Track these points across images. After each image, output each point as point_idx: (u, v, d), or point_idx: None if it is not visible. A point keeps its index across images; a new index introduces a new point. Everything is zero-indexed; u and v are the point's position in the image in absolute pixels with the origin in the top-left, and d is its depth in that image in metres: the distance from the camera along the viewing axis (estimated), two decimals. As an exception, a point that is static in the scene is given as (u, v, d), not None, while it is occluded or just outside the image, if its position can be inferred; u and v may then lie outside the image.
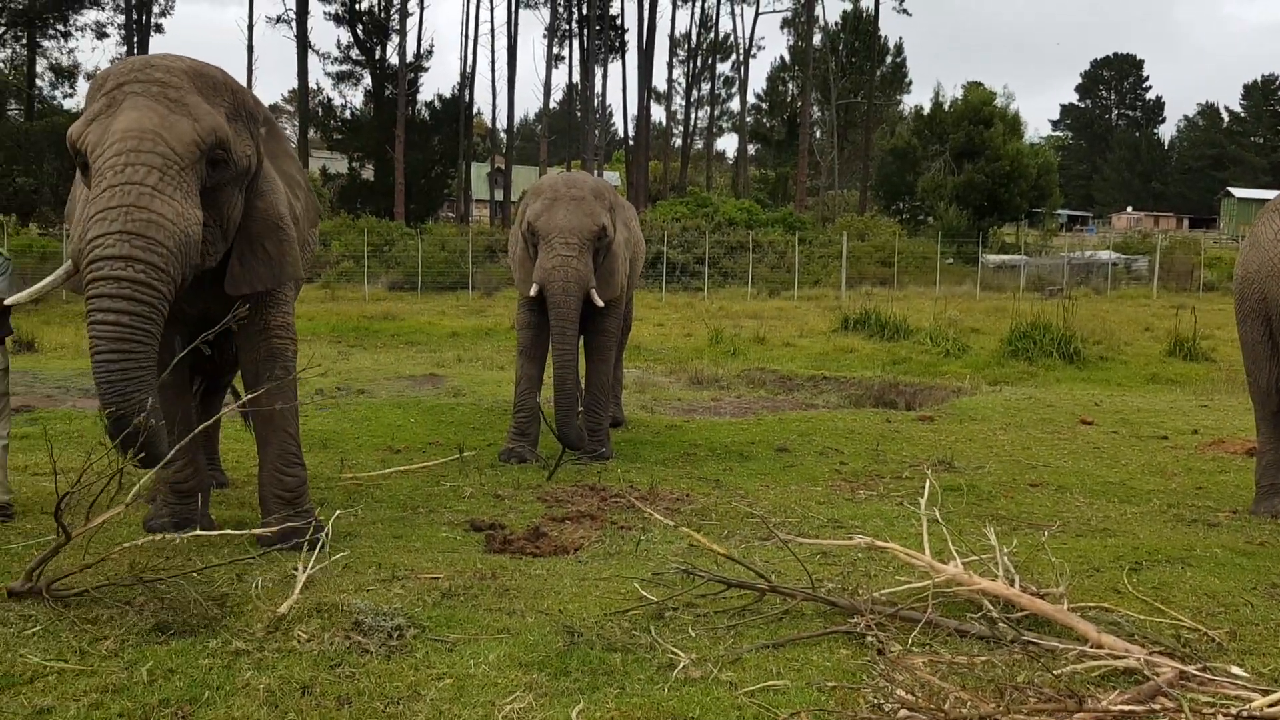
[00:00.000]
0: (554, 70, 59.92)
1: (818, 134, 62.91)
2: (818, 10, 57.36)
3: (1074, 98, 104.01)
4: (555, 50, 57.03)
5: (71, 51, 74.73)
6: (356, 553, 5.54)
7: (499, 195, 56.16)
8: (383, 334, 20.02)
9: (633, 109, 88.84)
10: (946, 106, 48.61)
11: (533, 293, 8.22)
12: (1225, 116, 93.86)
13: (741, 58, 62.78)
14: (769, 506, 6.98)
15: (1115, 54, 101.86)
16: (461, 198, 53.33)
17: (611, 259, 8.59)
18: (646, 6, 54.47)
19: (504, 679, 3.88)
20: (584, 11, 55.51)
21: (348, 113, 51.61)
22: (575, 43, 57.68)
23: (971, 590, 4.60)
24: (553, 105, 58.76)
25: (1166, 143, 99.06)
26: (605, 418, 8.93)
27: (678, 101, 66.66)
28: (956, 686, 3.74)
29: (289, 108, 64.20)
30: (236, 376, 6.78)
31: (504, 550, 5.87)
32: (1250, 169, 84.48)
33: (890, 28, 70.09)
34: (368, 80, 50.76)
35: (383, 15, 50.24)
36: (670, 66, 63.62)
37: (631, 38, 58.96)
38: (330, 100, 52.83)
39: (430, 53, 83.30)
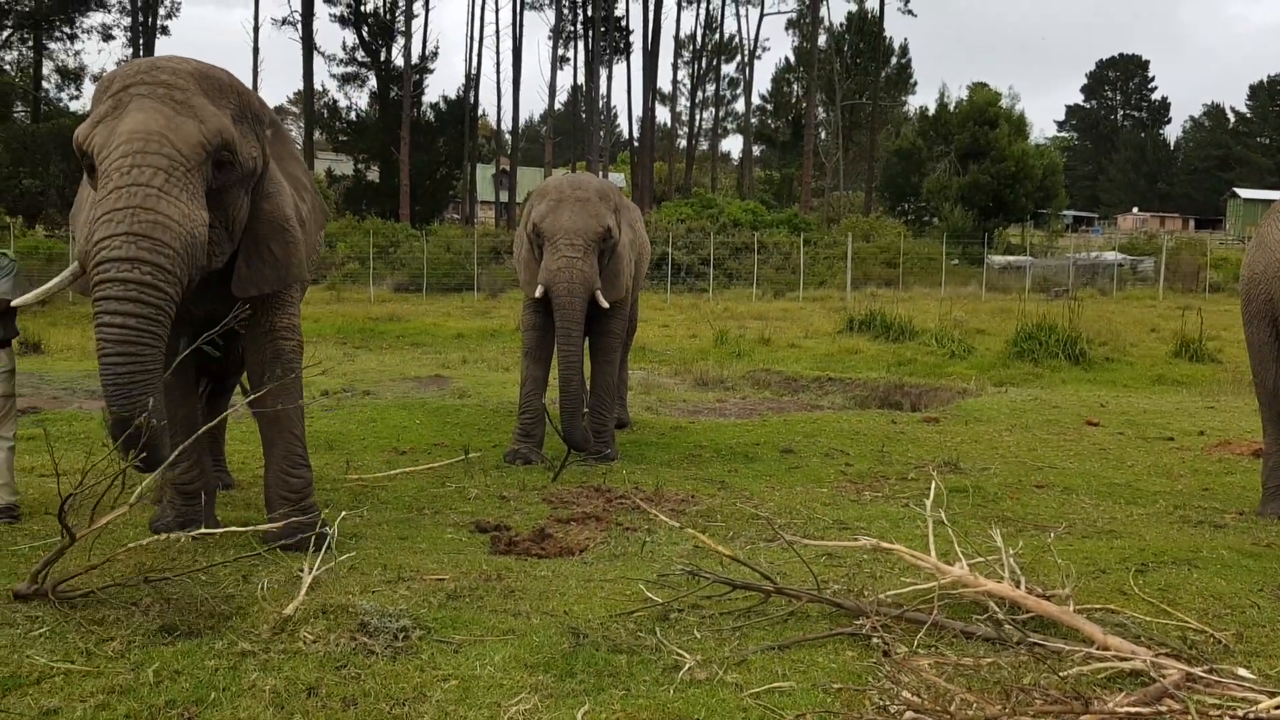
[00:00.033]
0: (559, 72, 60.10)
1: (823, 135, 62.92)
2: (822, 11, 57.45)
3: (1079, 98, 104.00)
4: (560, 52, 57.11)
5: (78, 54, 75.15)
6: (362, 554, 5.55)
7: (504, 197, 56.18)
8: (388, 335, 20.03)
9: (638, 110, 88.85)
10: (952, 107, 48.54)
11: (538, 294, 8.23)
12: (1231, 117, 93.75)
13: (746, 59, 62.87)
14: (774, 508, 6.97)
15: (1120, 54, 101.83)
16: (467, 199, 53.39)
17: (616, 260, 8.59)
18: (651, 8, 54.55)
19: (509, 680, 3.88)
20: (589, 13, 55.53)
21: (353, 114, 51.66)
22: (580, 44, 57.78)
23: (977, 592, 4.60)
24: (558, 107, 58.89)
25: (1172, 143, 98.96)
26: (610, 419, 8.93)
27: (683, 103, 66.72)
28: (962, 688, 3.73)
29: (294, 109, 64.28)
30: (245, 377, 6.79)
31: (509, 551, 5.87)
32: (1256, 169, 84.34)
33: (895, 28, 70.17)
34: (373, 82, 50.82)
35: (388, 17, 50.30)
36: (675, 68, 63.65)
37: (636, 39, 59.03)
38: (335, 102, 52.85)
39: (435, 54, 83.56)
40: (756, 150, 68.37)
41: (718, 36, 64.89)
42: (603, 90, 58.22)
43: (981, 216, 43.86)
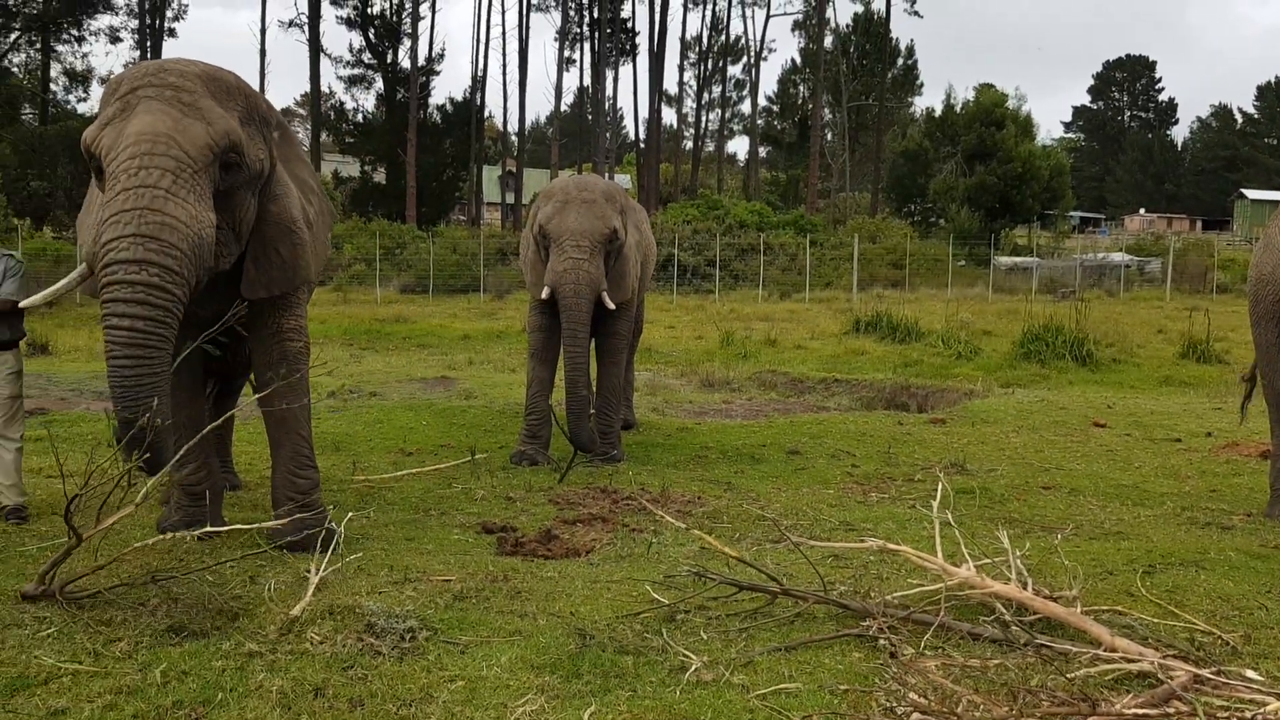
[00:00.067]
0: (565, 73, 60.13)
1: (829, 136, 62.87)
2: (829, 13, 57.32)
3: (1086, 99, 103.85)
4: (566, 53, 57.10)
5: (85, 56, 75.25)
6: (369, 555, 5.55)
7: (510, 198, 56.23)
8: (394, 337, 20.06)
9: (644, 112, 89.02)
10: (958, 108, 48.52)
11: (544, 295, 8.23)
12: (1238, 118, 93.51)
13: (752, 60, 62.79)
14: (780, 509, 6.97)
15: (1127, 55, 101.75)
16: (473, 201, 53.41)
17: (623, 262, 8.60)
18: (657, 9, 54.52)
19: (516, 681, 3.89)
20: (595, 15, 55.57)
21: (360, 116, 51.75)
22: (586, 46, 57.79)
23: (984, 593, 4.59)
24: (564, 108, 58.95)
25: (1179, 144, 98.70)
26: (616, 420, 8.94)
27: (689, 104, 66.73)
28: (969, 690, 3.73)
29: (301, 111, 64.40)
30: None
31: (516, 553, 5.88)
32: (1264, 170, 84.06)
33: (901, 30, 70.04)
34: (380, 84, 50.89)
35: (394, 19, 50.37)
36: (681, 69, 63.59)
37: (643, 41, 59.18)
38: (342, 104, 52.92)
39: (442, 56, 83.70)
40: (762, 152, 68.34)
41: (724, 38, 64.99)
42: (609, 92, 58.31)
43: (988, 218, 43.80)
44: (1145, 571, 5.42)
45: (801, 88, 64.97)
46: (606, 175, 46.57)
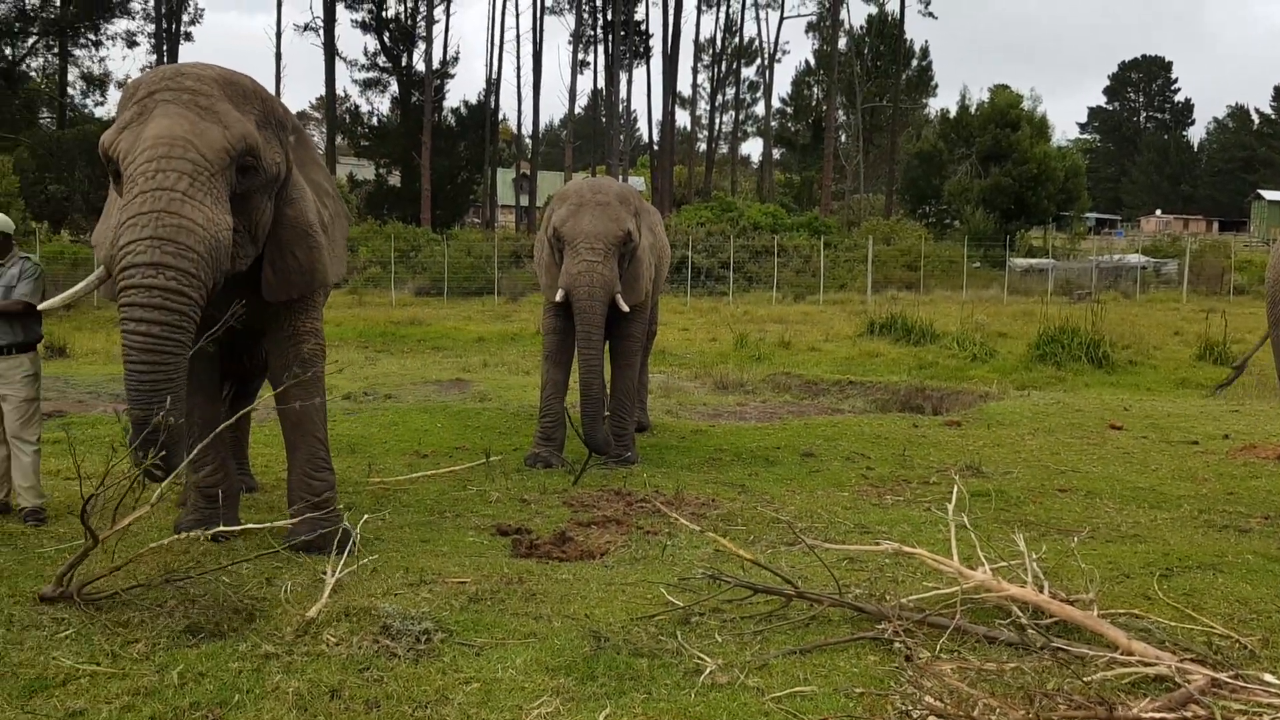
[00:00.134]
0: (579, 76, 60.17)
1: (843, 138, 62.77)
2: (842, 14, 57.31)
3: (1101, 100, 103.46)
4: (580, 56, 57.23)
5: (103, 60, 75.52)
6: (384, 557, 5.57)
7: (524, 201, 56.32)
8: (409, 339, 20.11)
9: (657, 114, 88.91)
10: (973, 109, 48.38)
11: (559, 298, 8.24)
12: (1255, 118, 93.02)
13: (766, 62, 62.74)
14: (795, 512, 6.96)
15: (1143, 56, 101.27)
16: (487, 203, 53.53)
17: (636, 264, 8.60)
18: (671, 12, 54.55)
19: (531, 683, 3.89)
20: (609, 17, 55.63)
21: (375, 119, 51.96)
22: (600, 48, 57.88)
23: (1000, 596, 4.58)
24: (578, 111, 59.02)
25: (1196, 145, 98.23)
26: (631, 422, 8.94)
27: (702, 106, 66.70)
28: (985, 693, 3.72)
29: (317, 115, 64.62)
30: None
31: (530, 555, 5.89)
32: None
33: (916, 31, 69.79)
34: (394, 87, 51.09)
35: (409, 23, 50.54)
36: (695, 71, 63.83)
37: (656, 43, 59.14)
38: (357, 107, 53.17)
39: (456, 59, 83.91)
40: (776, 153, 68.27)
41: (737, 40, 64.92)
42: (623, 94, 58.32)
43: (1003, 219, 43.67)
44: (1162, 574, 5.39)
45: (815, 89, 64.89)
46: (620, 178, 46.61)
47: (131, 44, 48.90)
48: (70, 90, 46.36)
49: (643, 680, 3.94)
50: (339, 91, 50.53)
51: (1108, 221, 79.62)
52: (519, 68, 79.49)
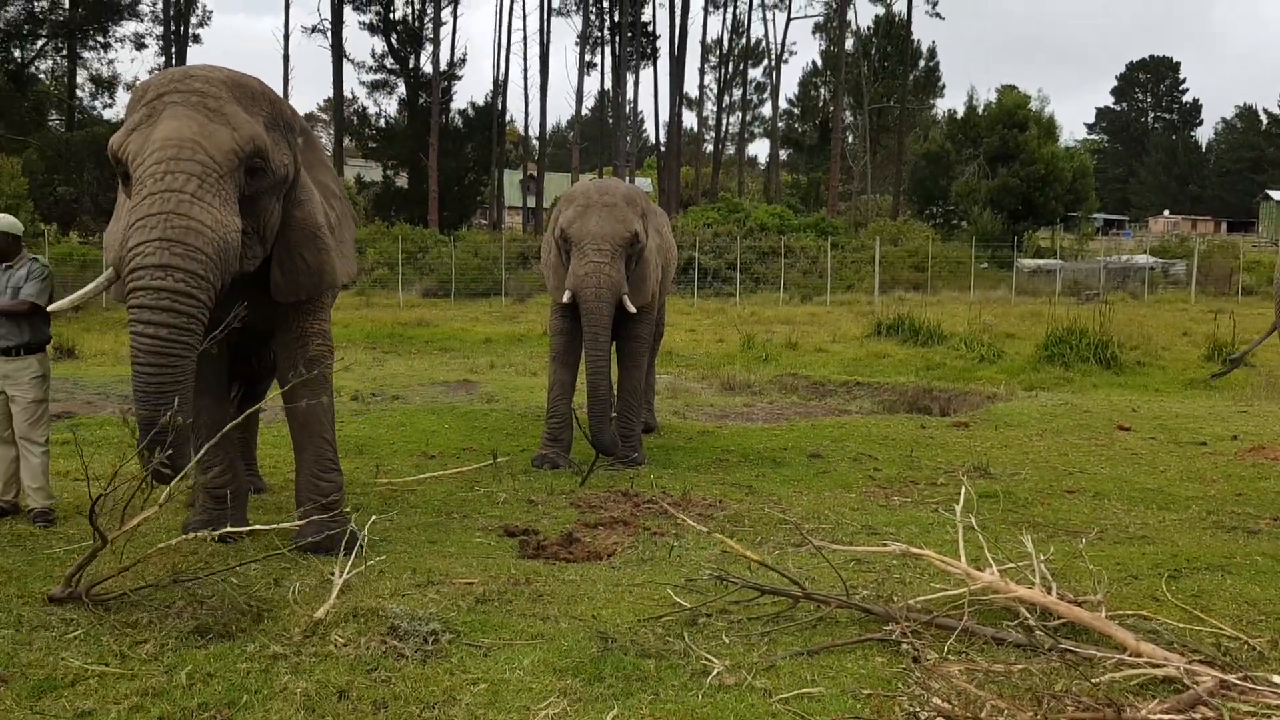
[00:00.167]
0: (586, 77, 60.18)
1: (850, 139, 62.68)
2: (850, 15, 57.21)
3: (1109, 100, 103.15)
4: (587, 57, 57.20)
5: (111, 62, 75.65)
6: (392, 558, 5.58)
7: (531, 202, 56.35)
8: (417, 340, 20.14)
9: (664, 115, 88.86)
10: (980, 110, 48.28)
11: (566, 299, 8.25)
12: (1264, 119, 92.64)
13: (773, 63, 62.72)
14: (802, 513, 6.96)
15: (1151, 56, 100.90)
16: (494, 205, 53.57)
17: (644, 265, 8.61)
18: (678, 13, 54.61)
19: (538, 684, 3.90)
20: (616, 19, 55.64)
21: (382, 121, 52.01)
22: (607, 50, 57.86)
23: (1008, 598, 4.57)
24: (585, 112, 58.96)
25: (1204, 145, 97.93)
26: (638, 423, 8.94)
27: (709, 107, 66.74)
28: (993, 694, 3.71)
29: (324, 117, 64.77)
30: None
31: (538, 556, 5.89)
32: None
33: (923, 31, 69.70)
34: (402, 89, 51.14)
35: (416, 24, 50.59)
36: (702, 72, 63.71)
37: (663, 44, 59.25)
38: (365, 109, 53.25)
39: (464, 61, 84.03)
40: (783, 154, 68.18)
41: (744, 41, 64.86)
42: (629, 95, 58.46)
43: (1011, 220, 43.58)
44: (1170, 576, 5.38)
45: (822, 90, 64.82)
46: (627, 179, 46.60)
47: (140, 46, 49.09)
48: (79, 92, 46.50)
49: (650, 681, 3.94)
50: (346, 93, 50.79)
51: (1115, 222, 79.40)
52: (526, 69, 79.60)
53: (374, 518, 6.22)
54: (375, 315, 24.73)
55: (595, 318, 8.11)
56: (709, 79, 65.82)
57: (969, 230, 42.55)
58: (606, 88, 59.40)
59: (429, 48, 49.68)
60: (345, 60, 49.08)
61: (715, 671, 4.00)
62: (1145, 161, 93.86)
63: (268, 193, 5.15)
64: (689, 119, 67.02)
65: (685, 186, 60.15)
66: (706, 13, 67.38)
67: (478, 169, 51.18)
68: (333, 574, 4.93)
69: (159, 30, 48.07)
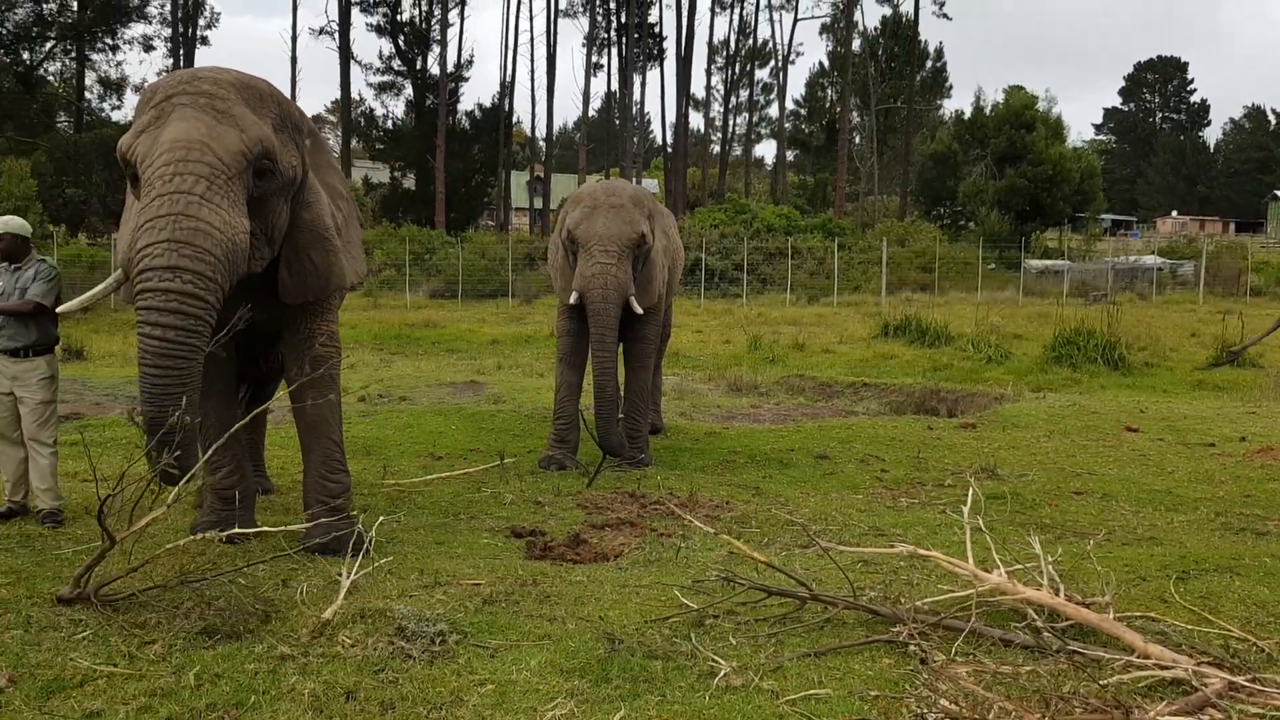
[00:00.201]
0: (593, 78, 60.21)
1: (857, 139, 62.64)
2: (857, 16, 57.19)
3: (1117, 101, 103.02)
4: (594, 59, 57.28)
5: (119, 64, 76.20)
6: (399, 558, 5.59)
7: (538, 203, 56.41)
8: (424, 341, 20.16)
9: (671, 116, 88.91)
10: (988, 111, 48.22)
11: (572, 300, 8.25)
12: (1272, 119, 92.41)
13: (780, 64, 62.73)
14: (809, 514, 6.95)
15: (1159, 56, 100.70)
16: (501, 206, 53.63)
17: (650, 266, 8.61)
18: (685, 14, 54.59)
19: (545, 685, 3.90)
20: (623, 20, 55.67)
21: (389, 123, 52.11)
22: (614, 51, 57.92)
23: (1016, 599, 4.57)
24: (591, 113, 59.06)
25: (1212, 146, 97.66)
26: (645, 424, 8.94)
27: (716, 108, 66.69)
28: (1001, 696, 3.71)
29: (332, 118, 64.87)
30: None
31: (545, 557, 5.89)
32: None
33: (930, 32, 69.51)
34: (409, 90, 51.23)
35: (424, 26, 50.66)
36: (709, 73, 63.85)
37: (670, 45, 59.10)
38: (372, 110, 53.33)
39: (470, 63, 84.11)
40: (790, 155, 68.17)
41: (751, 42, 64.86)
42: (636, 96, 58.37)
43: (1018, 220, 43.52)
44: (1179, 577, 5.37)
45: (829, 91, 64.76)
46: (634, 180, 46.62)
47: (148, 48, 49.16)
48: (87, 94, 46.68)
49: (657, 682, 3.94)
50: (354, 95, 50.71)
51: (1123, 223, 79.26)
52: (533, 71, 79.80)
53: (381, 519, 6.22)
54: (382, 316, 24.77)
55: (602, 319, 8.11)
56: (716, 80, 66.02)
57: (976, 231, 42.52)
58: (613, 89, 59.51)
59: (436, 49, 49.81)
60: (353, 62, 49.17)
61: (722, 673, 4.00)
62: (1153, 162, 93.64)
63: (276, 194, 5.16)
64: (695, 120, 67.12)
65: (692, 187, 60.16)
66: (713, 14, 67.46)
67: (485, 170, 51.25)
68: (340, 575, 4.94)
69: (167, 32, 48.25)
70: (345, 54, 48.11)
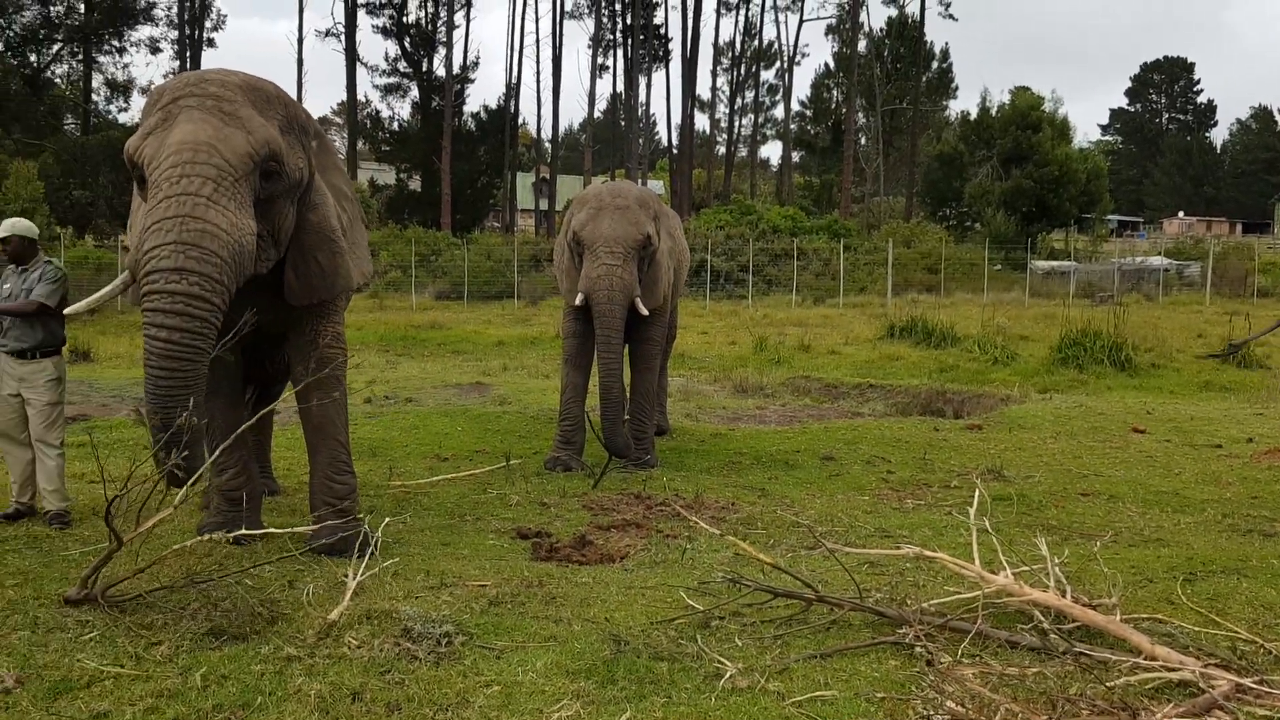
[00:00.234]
0: (598, 80, 60.25)
1: (863, 140, 62.59)
2: (862, 16, 57.13)
3: (1123, 102, 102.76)
4: (599, 60, 57.39)
5: (126, 67, 76.35)
6: (405, 560, 5.59)
7: (544, 205, 56.44)
8: (430, 343, 20.18)
9: (676, 117, 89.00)
10: (994, 111, 48.18)
11: (578, 302, 8.26)
12: (1279, 120, 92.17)
13: (785, 65, 62.67)
14: (815, 515, 6.95)
15: (1165, 57, 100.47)
16: (507, 207, 53.68)
17: (656, 268, 8.61)
18: (690, 15, 54.68)
19: (551, 687, 3.90)
20: (628, 22, 55.71)
21: (395, 124, 52.20)
22: (619, 52, 57.93)
23: (1022, 601, 4.56)
24: (597, 115, 59.10)
25: (1219, 146, 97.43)
26: (650, 426, 8.95)
27: (721, 109, 66.65)
28: (1007, 698, 3.70)
29: (338, 120, 65.01)
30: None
31: (550, 558, 5.90)
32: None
33: (936, 33, 69.57)
34: (415, 92, 51.31)
35: (430, 28, 50.77)
36: (714, 75, 63.56)
37: (675, 47, 59.22)
38: (378, 112, 53.46)
39: (476, 64, 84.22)
40: (796, 156, 68.13)
41: (757, 43, 64.87)
42: (642, 98, 58.40)
43: (1024, 221, 43.48)
44: (1186, 579, 5.36)
45: (835, 92, 64.71)
46: (639, 181, 46.62)
47: (155, 50, 49.37)
48: (94, 96, 46.76)
49: (663, 684, 3.94)
50: (360, 96, 50.93)
51: (1130, 224, 79.11)
52: (538, 72, 79.51)
53: (387, 520, 6.23)
54: (388, 318, 24.79)
55: (608, 320, 8.11)
56: (721, 81, 65.78)
57: (982, 232, 42.46)
58: (619, 90, 59.49)
59: (442, 51, 49.89)
60: (359, 64, 49.34)
61: (728, 674, 4.00)
62: (1160, 163, 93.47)
63: (282, 196, 5.17)
64: (701, 121, 67.09)
65: (697, 189, 60.15)
66: (719, 15, 67.43)
67: (490, 172, 51.32)
68: (346, 576, 4.95)
69: (174, 34, 48.45)
70: (351, 56, 48.25)
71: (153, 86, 5.38)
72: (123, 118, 46.93)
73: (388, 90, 51.83)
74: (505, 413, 11.37)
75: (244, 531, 5.23)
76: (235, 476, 5.90)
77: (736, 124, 66.62)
